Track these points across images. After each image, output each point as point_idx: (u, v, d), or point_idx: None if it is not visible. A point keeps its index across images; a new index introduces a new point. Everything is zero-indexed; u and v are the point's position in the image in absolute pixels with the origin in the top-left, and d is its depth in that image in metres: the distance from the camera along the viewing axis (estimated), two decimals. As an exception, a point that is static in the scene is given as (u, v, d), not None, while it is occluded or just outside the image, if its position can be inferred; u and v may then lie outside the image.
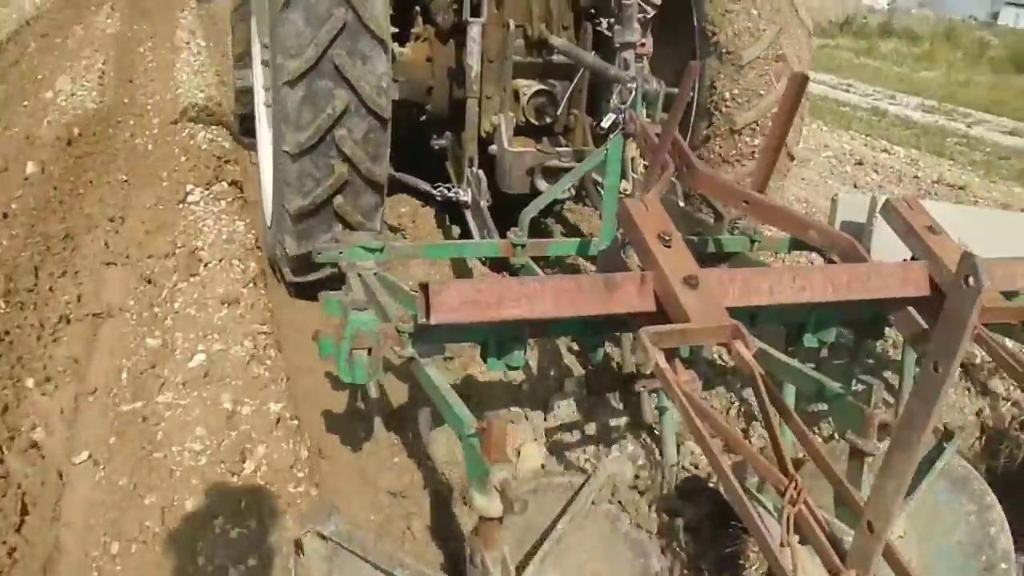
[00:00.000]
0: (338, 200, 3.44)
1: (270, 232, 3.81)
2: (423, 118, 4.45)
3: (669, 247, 2.20)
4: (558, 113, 4.22)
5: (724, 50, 4.06)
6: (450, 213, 4.67)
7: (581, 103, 4.20)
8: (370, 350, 2.09)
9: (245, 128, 5.66)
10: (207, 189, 4.97)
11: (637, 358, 1.96)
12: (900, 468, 1.53)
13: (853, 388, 2.22)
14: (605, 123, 3.23)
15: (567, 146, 4.24)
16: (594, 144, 4.20)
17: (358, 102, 3.28)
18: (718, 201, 3.18)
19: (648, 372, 2.06)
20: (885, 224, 3.12)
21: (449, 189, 4.02)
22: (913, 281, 2.56)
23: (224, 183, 5.10)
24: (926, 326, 2.63)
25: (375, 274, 2.77)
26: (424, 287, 1.92)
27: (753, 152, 4.03)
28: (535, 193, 4.10)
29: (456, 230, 4.56)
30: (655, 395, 2.82)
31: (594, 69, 3.80)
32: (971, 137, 10.75)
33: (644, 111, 3.26)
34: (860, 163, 8.25)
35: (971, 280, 1.31)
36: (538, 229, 4.38)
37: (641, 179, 3.37)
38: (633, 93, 3.16)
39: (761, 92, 4.04)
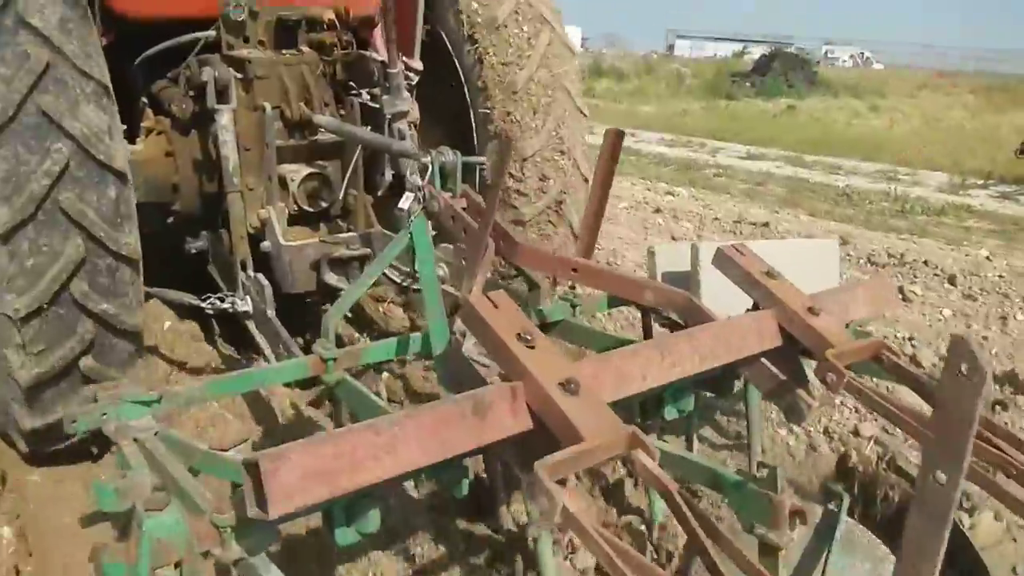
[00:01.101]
0: (86, 362, 2.79)
1: None
2: (169, 220, 3.81)
3: (533, 348, 1.85)
4: (333, 197, 3.78)
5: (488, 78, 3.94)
6: (221, 327, 4.01)
7: (357, 182, 3.78)
8: (179, 564, 1.52)
9: None
10: None
11: (539, 505, 1.58)
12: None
13: (755, 474, 2.00)
14: (404, 204, 2.86)
15: (350, 231, 3.80)
16: (380, 225, 3.81)
17: (97, 246, 2.68)
18: (541, 273, 2.90)
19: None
20: (709, 272, 3.04)
21: (222, 299, 3.40)
22: (767, 333, 2.44)
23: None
24: (783, 377, 2.52)
25: (157, 435, 2.15)
26: (252, 466, 1.41)
27: (549, 237, 3.91)
28: (325, 291, 3.63)
29: (228, 350, 3.91)
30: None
31: (375, 145, 3.42)
32: (722, 166, 11.65)
33: (438, 185, 2.92)
34: (659, 210, 8.43)
35: (968, 369, 1.09)
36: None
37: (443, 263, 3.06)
38: (430, 168, 2.81)
39: (547, 183, 3.94)
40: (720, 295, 2.85)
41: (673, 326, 2.99)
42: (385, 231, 3.83)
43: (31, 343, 2.71)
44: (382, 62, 3.62)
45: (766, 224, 7.72)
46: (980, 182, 12.04)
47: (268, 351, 3.19)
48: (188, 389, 2.40)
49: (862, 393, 2.28)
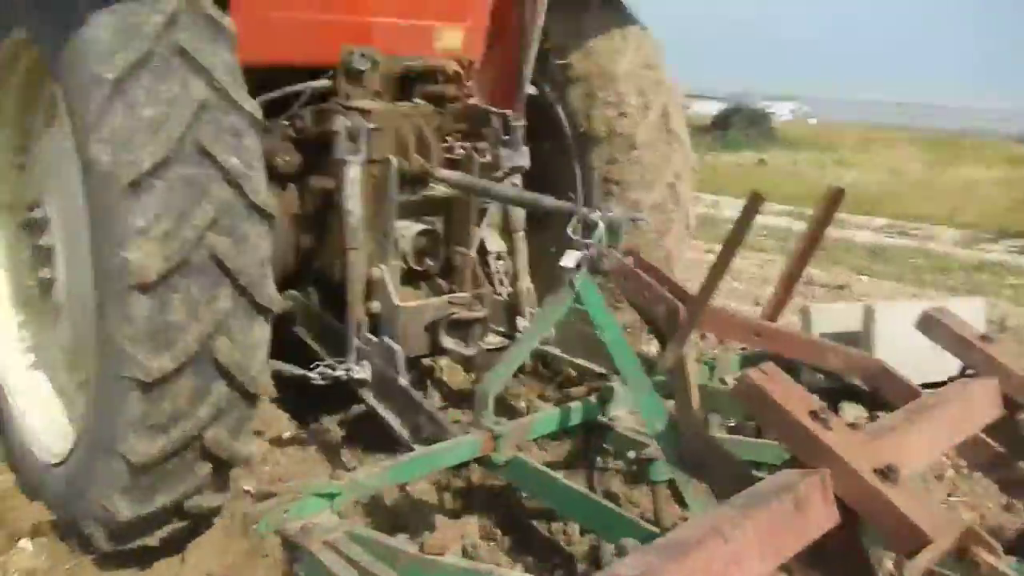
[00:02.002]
0: (211, 433, 2.49)
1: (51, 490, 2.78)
2: None
3: (831, 429, 1.64)
4: (443, 255, 3.57)
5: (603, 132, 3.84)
6: (308, 407, 3.71)
7: (467, 240, 3.58)
8: None
9: None
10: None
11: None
12: None
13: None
14: (567, 261, 2.65)
15: (452, 291, 3.58)
16: (488, 283, 3.60)
17: (243, 298, 2.43)
18: (727, 338, 2.70)
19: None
20: (884, 335, 2.87)
21: (334, 368, 3.13)
22: (993, 401, 2.25)
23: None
24: (1001, 449, 2.34)
25: (348, 535, 1.89)
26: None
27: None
28: (439, 354, 3.40)
29: (337, 434, 3.58)
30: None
31: (522, 203, 3.23)
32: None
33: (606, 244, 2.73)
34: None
35: None
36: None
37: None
38: (599, 225, 2.62)
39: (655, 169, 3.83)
40: (896, 360, 2.67)
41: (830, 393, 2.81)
42: (496, 293, 3.64)
43: (153, 414, 2.42)
44: (502, 115, 3.46)
45: (841, 287, 7.53)
46: (990, 236, 12.14)
47: (396, 423, 2.92)
48: (368, 476, 2.14)
49: None
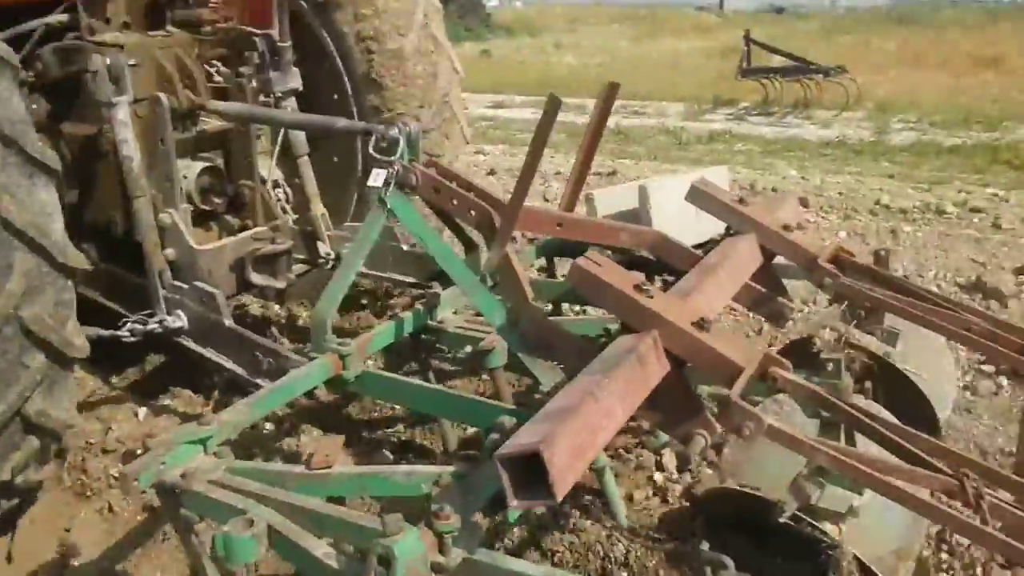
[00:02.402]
0: (33, 406, 2.36)
1: None
2: None
3: (653, 297, 1.94)
4: (228, 191, 3.46)
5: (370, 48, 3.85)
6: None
7: (252, 173, 3.48)
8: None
9: None
10: None
11: (739, 426, 1.71)
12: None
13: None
14: (374, 181, 2.70)
15: (246, 226, 3.51)
16: (277, 213, 3.55)
17: (41, 259, 2.28)
18: (532, 231, 2.93)
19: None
20: (658, 209, 3.27)
21: (145, 322, 3.01)
22: (755, 252, 2.72)
23: None
24: (763, 290, 2.82)
25: (239, 471, 1.95)
26: (532, 456, 1.38)
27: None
28: (248, 292, 3.36)
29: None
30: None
31: (313, 128, 3.17)
32: (487, 117, 11.84)
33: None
34: (493, 171, 8.33)
35: None
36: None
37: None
38: (400, 141, 2.69)
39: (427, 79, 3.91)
40: (666, 228, 3.08)
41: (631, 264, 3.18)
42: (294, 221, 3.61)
43: None
44: (265, 35, 3.34)
45: (612, 172, 8.08)
46: (708, 107, 13.52)
47: (230, 364, 2.89)
48: (233, 413, 2.16)
49: (854, 291, 2.65)
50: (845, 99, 11.93)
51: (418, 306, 2.86)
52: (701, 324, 1.89)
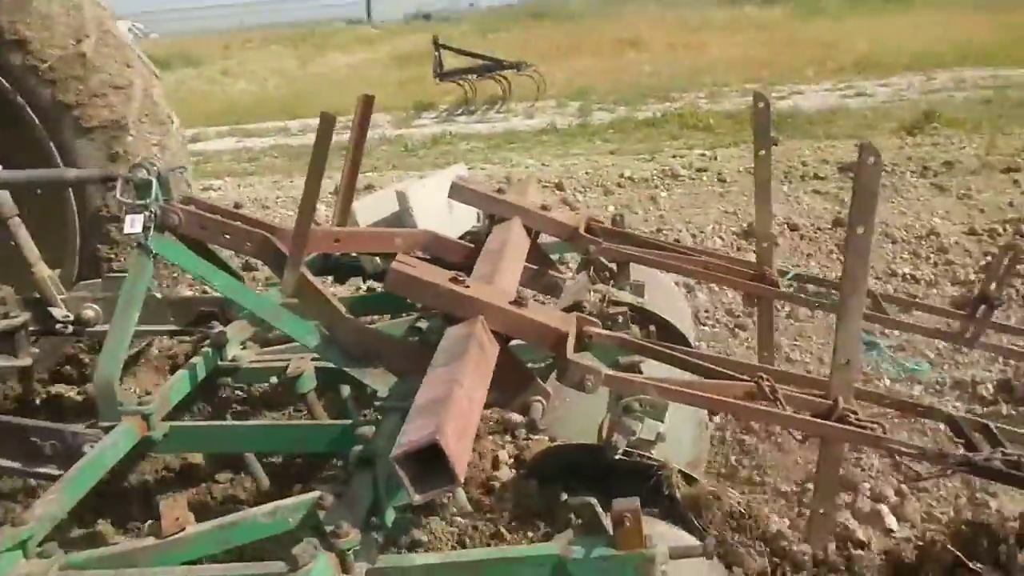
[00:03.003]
0: None
1: None
2: None
3: (469, 287, 2.07)
4: None
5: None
6: None
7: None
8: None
9: None
10: None
11: (580, 379, 1.90)
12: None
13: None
14: (132, 227, 2.51)
15: None
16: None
17: None
18: (313, 250, 2.88)
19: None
20: (421, 210, 3.40)
21: None
22: (523, 233, 2.95)
23: None
24: (534, 267, 3.07)
25: (78, 563, 1.77)
26: (427, 449, 1.45)
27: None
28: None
29: None
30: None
31: (45, 181, 2.80)
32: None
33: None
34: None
35: (872, 159, 1.77)
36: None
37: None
38: (153, 182, 2.51)
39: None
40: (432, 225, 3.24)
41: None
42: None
43: None
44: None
45: (369, 186, 7.91)
46: (411, 114, 13.83)
47: (6, 463, 2.51)
48: (46, 505, 1.92)
49: (615, 252, 2.99)
50: (535, 90, 12.97)
51: (206, 348, 2.72)
52: (519, 302, 2.06)
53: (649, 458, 2.22)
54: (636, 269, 3.10)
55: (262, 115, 14.59)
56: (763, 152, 2.77)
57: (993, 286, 2.62)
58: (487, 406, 2.71)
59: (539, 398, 2.07)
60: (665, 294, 3.40)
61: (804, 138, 8.82)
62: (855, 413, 1.90)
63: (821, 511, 2.11)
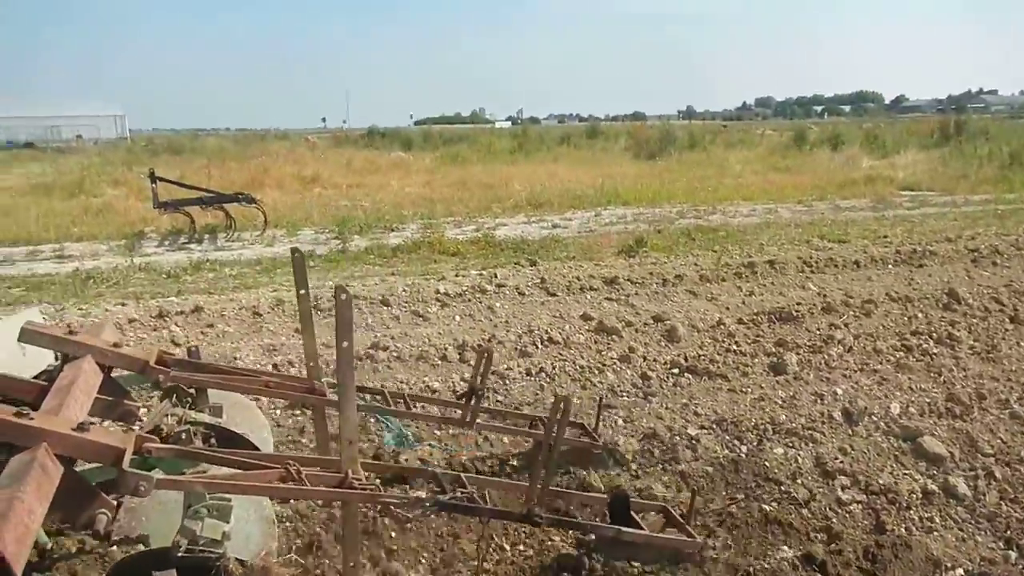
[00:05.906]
0: None
1: None
2: None
3: (33, 419, 2.39)
4: None
5: None
6: None
7: None
8: None
9: None
10: None
11: (138, 487, 2.30)
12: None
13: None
14: None
15: None
16: None
17: None
18: None
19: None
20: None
21: None
22: (96, 371, 3.25)
23: None
24: (111, 398, 3.35)
25: None
26: None
27: None
28: None
29: None
30: None
31: None
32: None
33: None
34: None
35: (344, 296, 2.52)
36: None
37: None
38: None
39: None
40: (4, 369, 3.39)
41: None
42: None
43: None
44: None
45: (198, 308, 7.42)
46: (130, 243, 12.42)
47: None
48: None
49: (182, 379, 3.41)
50: (263, 220, 13.37)
51: None
52: (82, 427, 2.43)
53: (209, 552, 2.68)
54: (217, 393, 3.56)
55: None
56: (303, 291, 3.47)
57: (478, 380, 3.57)
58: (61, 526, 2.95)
59: (104, 511, 2.43)
60: (242, 411, 3.89)
61: (551, 260, 10.30)
62: (360, 479, 2.58)
63: (351, 564, 2.74)
